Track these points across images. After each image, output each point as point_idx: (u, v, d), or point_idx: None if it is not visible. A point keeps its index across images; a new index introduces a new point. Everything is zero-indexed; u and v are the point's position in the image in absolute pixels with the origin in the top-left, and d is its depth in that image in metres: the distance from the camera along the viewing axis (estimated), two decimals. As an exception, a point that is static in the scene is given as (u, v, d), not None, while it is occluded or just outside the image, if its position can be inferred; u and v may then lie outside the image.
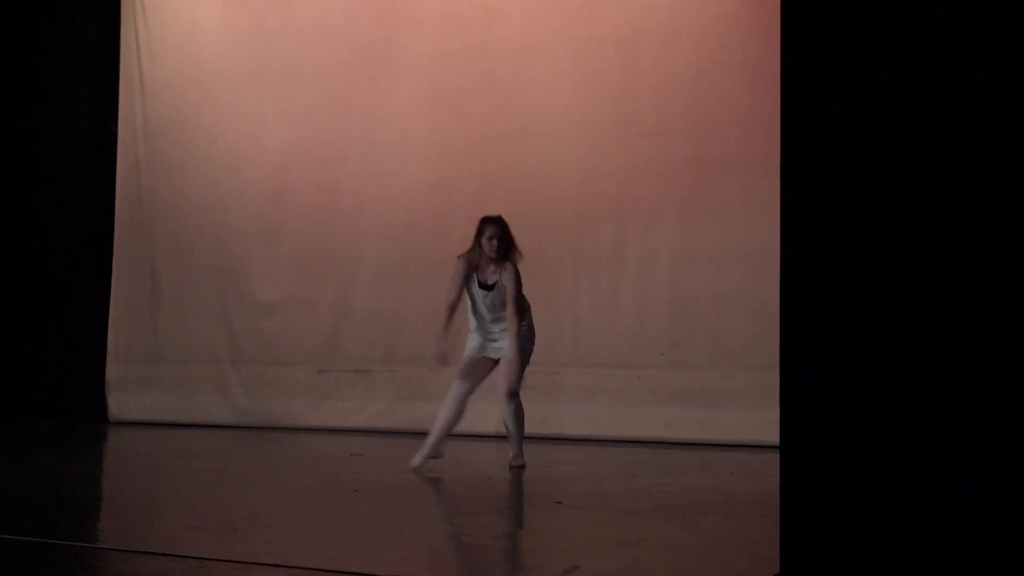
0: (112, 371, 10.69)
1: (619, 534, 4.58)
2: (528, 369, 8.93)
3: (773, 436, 8.17)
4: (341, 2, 9.93)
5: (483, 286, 6.94)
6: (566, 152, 8.97)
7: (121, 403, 10.61)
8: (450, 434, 6.96)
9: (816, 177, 3.07)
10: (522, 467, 6.95)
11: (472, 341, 7.04)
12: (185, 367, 10.37)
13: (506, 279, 6.92)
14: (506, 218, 9.06)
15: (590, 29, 8.94)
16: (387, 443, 8.09)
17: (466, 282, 6.97)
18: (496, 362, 7.05)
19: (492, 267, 6.95)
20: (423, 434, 9.08)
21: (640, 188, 8.74)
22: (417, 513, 5.51)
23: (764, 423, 7.78)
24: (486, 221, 7.01)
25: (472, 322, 7.02)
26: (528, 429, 8.68)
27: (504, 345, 6.94)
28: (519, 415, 7.09)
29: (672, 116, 8.65)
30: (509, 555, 4.18)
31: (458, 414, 7.00)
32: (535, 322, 7.20)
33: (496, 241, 6.93)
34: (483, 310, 6.96)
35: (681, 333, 8.57)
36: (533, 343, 7.11)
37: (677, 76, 8.64)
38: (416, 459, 6.83)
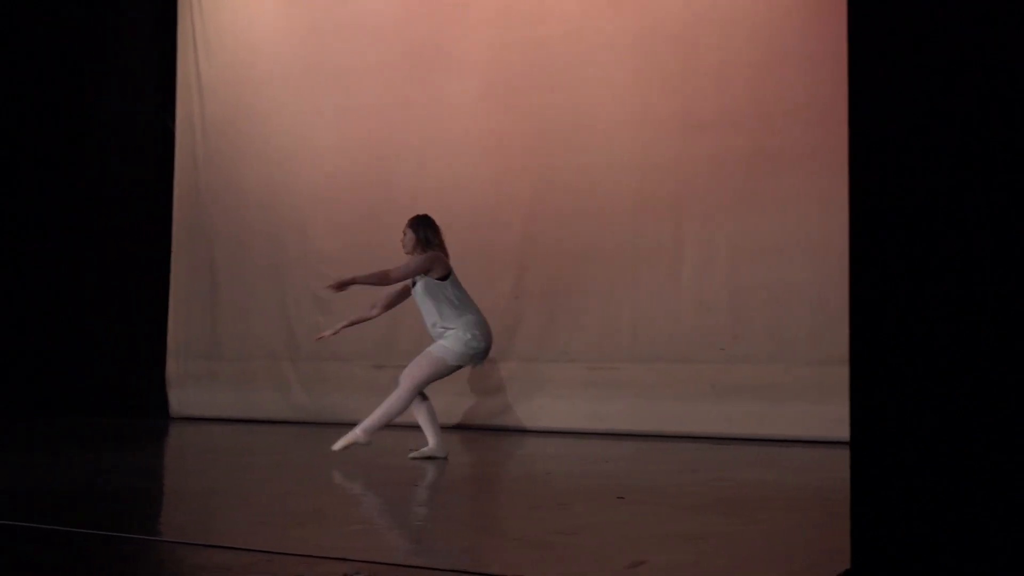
0: (172, 367, 10.81)
1: (682, 529, 4.57)
2: (586, 364, 8.95)
3: (835, 431, 8.14)
4: (396, -1, 9.98)
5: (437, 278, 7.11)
6: (623, 146, 8.94)
7: (181, 399, 10.72)
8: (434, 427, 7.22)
9: (885, 169, 3.04)
10: (345, 449, 7.02)
11: (465, 339, 7.10)
12: (244, 363, 10.46)
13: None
14: (563, 214, 9.06)
15: (646, 21, 8.91)
16: (445, 438, 8.09)
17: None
18: None
19: None
20: (482, 429, 9.14)
21: (698, 181, 8.70)
22: (479, 508, 5.52)
23: (825, 418, 7.74)
24: None
25: (467, 313, 7.09)
26: (586, 425, 8.69)
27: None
28: (393, 405, 7.06)
29: (730, 108, 8.60)
30: (573, 550, 4.17)
31: (422, 411, 7.21)
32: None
33: (403, 236, 7.19)
34: (420, 309, 7.11)
35: (740, 327, 8.52)
36: (462, 347, 6.96)
37: (735, 67, 8.59)
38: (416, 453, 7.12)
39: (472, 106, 9.57)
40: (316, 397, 10.09)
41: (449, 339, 6.91)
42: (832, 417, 7.59)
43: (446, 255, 7.10)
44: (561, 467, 7.15)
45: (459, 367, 7.08)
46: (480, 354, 7.03)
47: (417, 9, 9.87)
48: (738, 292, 8.55)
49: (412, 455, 7.11)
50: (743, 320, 8.52)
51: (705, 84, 8.71)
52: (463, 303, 7.03)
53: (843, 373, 3.23)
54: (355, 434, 7.02)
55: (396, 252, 9.74)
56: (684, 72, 8.79)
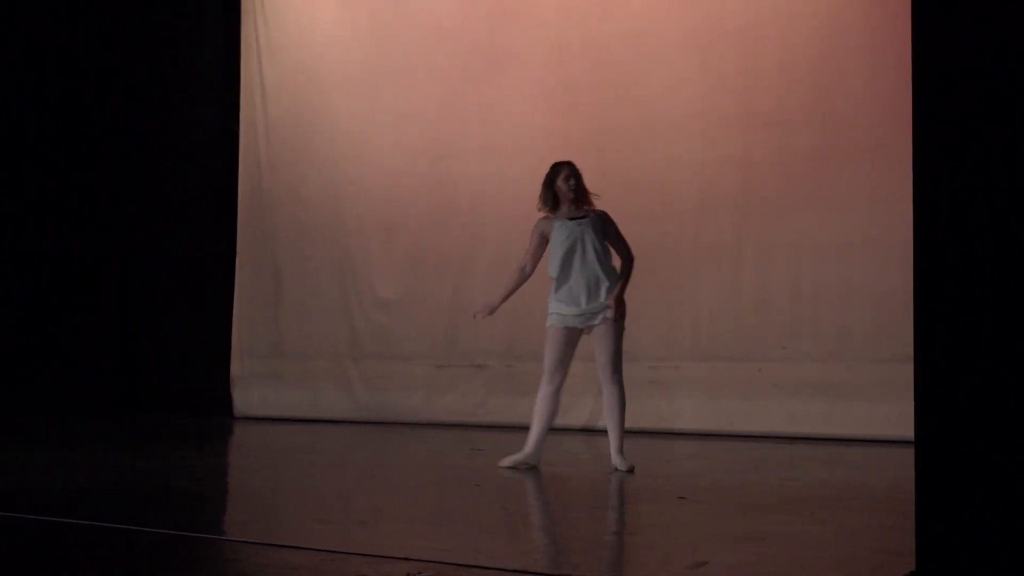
0: (236, 367, 10.92)
1: (744, 529, 4.54)
2: (648, 363, 8.92)
3: (899, 430, 8.05)
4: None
5: (572, 219, 6.42)
6: (686, 143, 8.91)
7: (246, 398, 10.82)
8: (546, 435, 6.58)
9: (951, 165, 3.00)
10: (630, 471, 6.28)
11: (559, 307, 6.42)
12: (307, 362, 10.54)
13: (606, 220, 6.46)
14: (625, 212, 9.03)
15: (709, 18, 8.87)
16: (506, 438, 8.10)
17: (545, 240, 6.48)
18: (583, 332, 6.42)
19: (573, 209, 6.49)
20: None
21: (761, 178, 8.65)
22: (541, 508, 5.52)
23: (890, 417, 7.67)
24: (558, 164, 6.61)
25: (559, 281, 6.41)
26: (648, 424, 8.64)
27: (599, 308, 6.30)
28: (620, 409, 6.41)
29: (794, 105, 8.54)
30: (635, 549, 4.16)
31: (552, 412, 6.51)
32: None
33: (574, 180, 6.50)
34: (576, 253, 6.35)
35: (803, 325, 8.46)
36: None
37: (798, 64, 8.54)
38: (508, 460, 6.56)
39: (534, 105, 9.57)
40: (378, 396, 10.14)
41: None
42: (896, 416, 7.51)
43: None
44: (622, 466, 7.13)
45: None
46: None
47: (477, 9, 9.89)
48: (800, 290, 8.49)
49: (504, 463, 6.57)
50: (805, 318, 8.46)
51: (768, 81, 8.66)
52: None
53: (907, 371, 3.19)
54: (617, 461, 6.36)
55: (459, 253, 9.81)
56: (747, 69, 8.74)
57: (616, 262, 6.51)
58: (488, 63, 9.79)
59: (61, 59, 10.91)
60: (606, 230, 6.49)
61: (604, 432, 6.58)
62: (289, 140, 10.76)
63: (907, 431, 3.10)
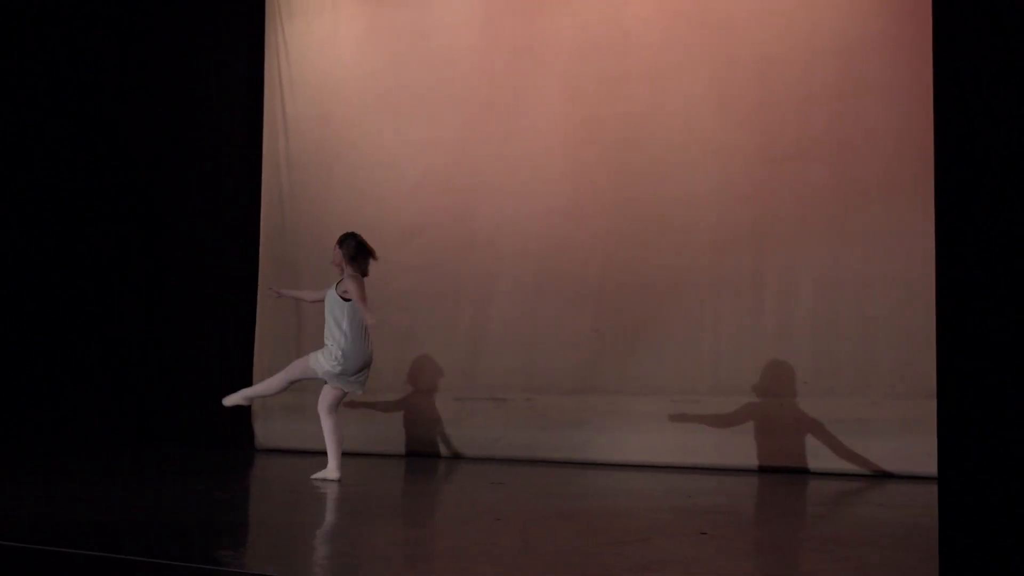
0: (258, 399, 10.90)
1: (765, 566, 4.52)
2: (668, 397, 8.88)
3: (922, 466, 8.00)
4: (477, 33, 10.02)
5: (343, 297, 8.00)
6: (704, 178, 8.90)
7: (267, 430, 10.82)
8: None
9: (973, 201, 2.99)
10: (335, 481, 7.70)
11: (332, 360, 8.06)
12: (328, 395, 10.50)
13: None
14: (644, 246, 9.03)
15: (727, 53, 8.88)
16: (527, 472, 8.09)
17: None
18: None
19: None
20: (563, 464, 9.09)
21: (780, 213, 8.64)
22: (562, 543, 5.50)
23: (912, 453, 7.62)
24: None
25: (345, 338, 8.03)
26: (669, 459, 8.61)
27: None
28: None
29: (812, 140, 8.53)
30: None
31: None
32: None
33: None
34: (345, 324, 8.01)
35: (825, 361, 8.41)
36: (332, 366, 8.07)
37: (817, 99, 8.53)
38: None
39: (553, 138, 9.58)
40: (398, 429, 10.13)
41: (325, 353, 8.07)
42: (920, 451, 7.47)
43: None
44: (643, 501, 7.10)
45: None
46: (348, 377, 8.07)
47: (496, 46, 9.92)
48: (821, 325, 8.45)
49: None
50: (826, 353, 8.42)
51: (786, 116, 8.65)
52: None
53: (930, 407, 3.18)
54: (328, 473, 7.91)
55: (477, 286, 9.82)
56: (765, 104, 8.74)
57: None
58: (507, 98, 9.81)
59: (87, 97, 11.00)
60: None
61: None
62: (311, 173, 10.80)
63: (930, 467, 3.08)
